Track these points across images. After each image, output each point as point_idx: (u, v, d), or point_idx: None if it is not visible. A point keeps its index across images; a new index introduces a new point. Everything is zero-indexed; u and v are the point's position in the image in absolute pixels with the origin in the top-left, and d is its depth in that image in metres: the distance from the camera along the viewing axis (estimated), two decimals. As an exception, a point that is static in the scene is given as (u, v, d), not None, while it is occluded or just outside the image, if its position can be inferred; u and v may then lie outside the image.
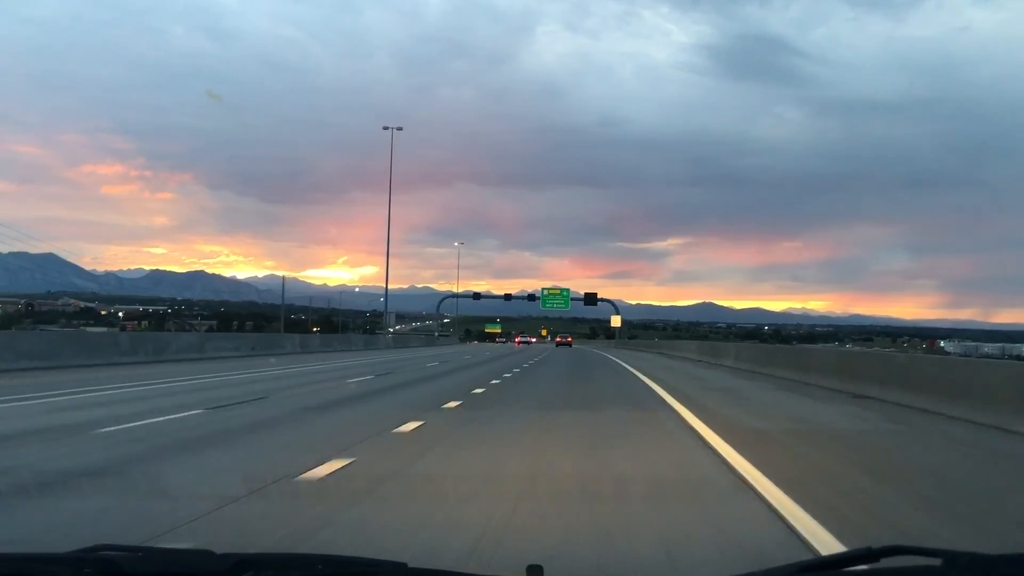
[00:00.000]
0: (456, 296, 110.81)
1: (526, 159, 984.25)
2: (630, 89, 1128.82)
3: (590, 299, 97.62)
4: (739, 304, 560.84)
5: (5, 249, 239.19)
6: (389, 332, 73.00)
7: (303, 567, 1.97)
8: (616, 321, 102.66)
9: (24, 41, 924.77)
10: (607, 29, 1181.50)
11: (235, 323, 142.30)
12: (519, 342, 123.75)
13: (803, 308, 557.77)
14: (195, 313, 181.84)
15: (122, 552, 2.01)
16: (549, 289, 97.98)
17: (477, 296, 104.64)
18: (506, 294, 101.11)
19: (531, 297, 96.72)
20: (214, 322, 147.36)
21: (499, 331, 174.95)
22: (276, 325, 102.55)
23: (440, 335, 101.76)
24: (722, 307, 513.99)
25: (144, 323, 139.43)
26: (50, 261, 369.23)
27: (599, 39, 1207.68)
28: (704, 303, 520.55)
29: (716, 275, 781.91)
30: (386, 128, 62.14)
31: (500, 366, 28.51)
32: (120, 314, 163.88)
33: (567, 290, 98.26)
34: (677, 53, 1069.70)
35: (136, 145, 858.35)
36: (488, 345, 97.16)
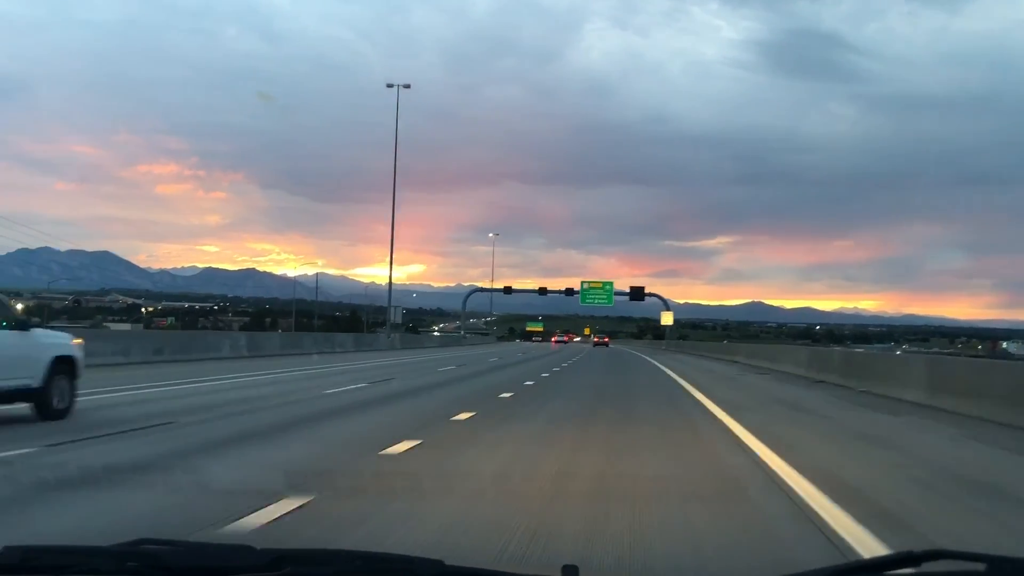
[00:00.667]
0: (489, 291, 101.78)
1: (573, 157, 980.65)
2: (678, 86, 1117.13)
3: (636, 294, 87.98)
4: (789, 304, 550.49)
5: (63, 247, 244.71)
6: (395, 328, 62.49)
7: (341, 562, 1.99)
8: (667, 318, 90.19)
9: (81, 45, 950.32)
10: (655, 26, 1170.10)
11: (267, 320, 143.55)
12: (555, 342, 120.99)
13: (855, 308, 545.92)
14: (227, 310, 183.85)
15: (163, 546, 2.05)
16: (590, 283, 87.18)
17: (508, 290, 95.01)
18: (541, 288, 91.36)
19: (569, 292, 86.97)
20: (246, 319, 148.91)
21: (541, 330, 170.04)
22: (306, 323, 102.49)
23: (479, 333, 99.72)
24: (772, 306, 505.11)
25: (171, 320, 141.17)
26: (105, 259, 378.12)
27: (647, 36, 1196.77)
28: (753, 302, 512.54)
29: (765, 274, 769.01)
30: (390, 86, 55.44)
31: (511, 376, 22.78)
32: (143, 310, 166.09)
33: (610, 284, 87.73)
34: (726, 49, 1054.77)
35: (190, 145, 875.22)
36: (524, 345, 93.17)
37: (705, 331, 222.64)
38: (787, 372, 25.12)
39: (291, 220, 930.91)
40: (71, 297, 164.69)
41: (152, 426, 9.72)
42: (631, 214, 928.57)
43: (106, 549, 1.99)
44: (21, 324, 10.30)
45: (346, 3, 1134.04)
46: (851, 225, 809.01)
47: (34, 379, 9.82)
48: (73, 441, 8.54)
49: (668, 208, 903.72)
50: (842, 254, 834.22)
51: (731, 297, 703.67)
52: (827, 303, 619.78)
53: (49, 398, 10.02)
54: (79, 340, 11.34)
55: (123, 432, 9.17)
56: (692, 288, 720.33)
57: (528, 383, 19.88)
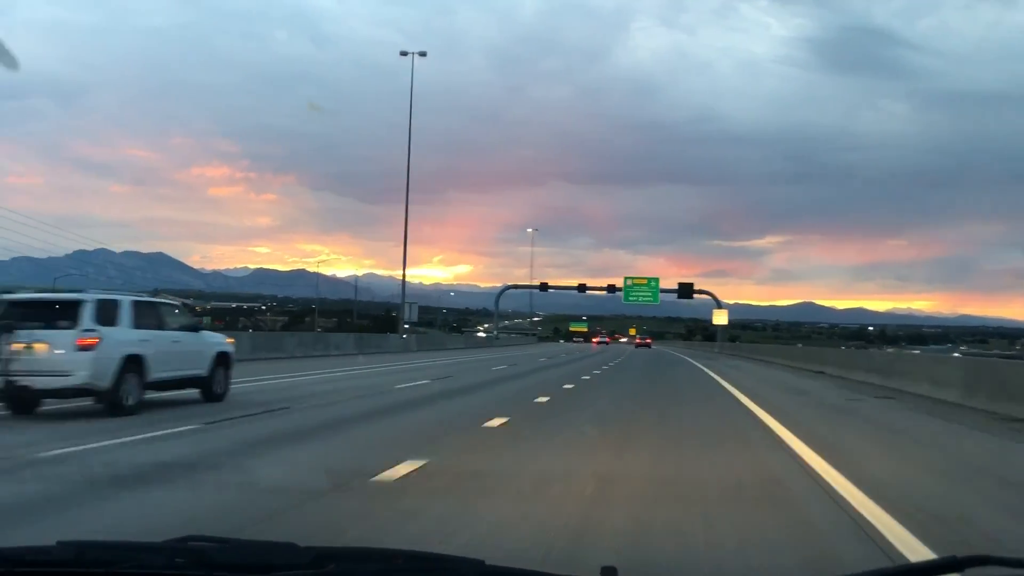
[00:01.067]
0: (526, 288, 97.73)
1: (620, 156, 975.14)
2: (727, 84, 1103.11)
3: (685, 291, 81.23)
4: (841, 304, 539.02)
5: (118, 248, 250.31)
6: (406, 328, 54.66)
7: (383, 560, 2.04)
8: (720, 317, 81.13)
9: (137, 50, 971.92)
10: (703, 24, 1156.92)
11: (306, 320, 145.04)
12: (596, 343, 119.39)
13: (908, 308, 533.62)
14: (262, 310, 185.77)
15: (210, 543, 2.09)
16: (634, 279, 79.44)
17: (544, 287, 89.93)
18: (580, 285, 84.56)
19: (611, 289, 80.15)
20: (285, 319, 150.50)
21: (584, 330, 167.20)
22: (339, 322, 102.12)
23: (523, 334, 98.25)
24: (823, 307, 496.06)
25: (207, 320, 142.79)
26: (160, 260, 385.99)
27: (695, 34, 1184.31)
28: (804, 303, 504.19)
29: (817, 274, 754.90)
30: (404, 54, 51.26)
31: (502, 397, 16.29)
32: (194, 310, 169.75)
33: (655, 280, 79.75)
34: (776, 47, 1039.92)
35: (241, 148, 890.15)
36: (566, 346, 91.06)
37: (755, 331, 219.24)
38: (923, 396, 16.43)
39: (340, 221, 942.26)
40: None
41: (280, 408, 12.49)
42: (679, 214, 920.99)
43: (156, 545, 2.06)
44: (194, 327, 13.80)
45: (393, 5, 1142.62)
46: (904, 224, 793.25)
47: (203, 369, 12.99)
48: (231, 419, 11.03)
49: (717, 207, 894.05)
50: (895, 253, 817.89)
51: (781, 297, 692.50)
52: (879, 303, 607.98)
53: (212, 385, 13.19)
54: (231, 340, 14.84)
55: (271, 411, 12.15)
56: (741, 288, 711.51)
57: (532, 402, 14.67)
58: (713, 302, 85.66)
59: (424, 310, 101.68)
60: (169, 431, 9.76)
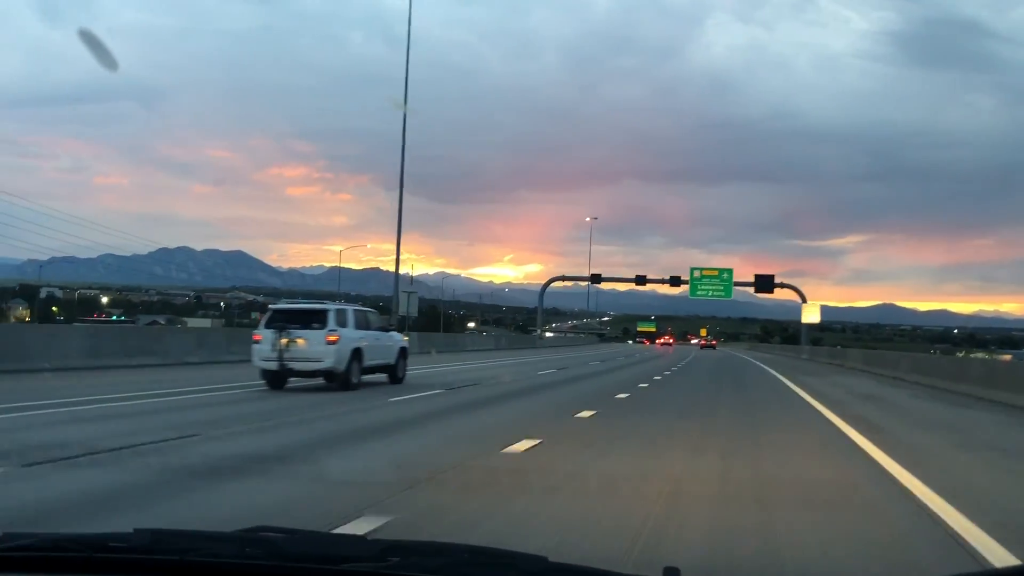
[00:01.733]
0: (577, 279, 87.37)
1: (694, 154, 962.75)
2: (805, 80, 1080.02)
3: (764, 284, 70.43)
4: (923, 306, 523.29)
5: (199, 246, 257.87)
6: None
7: (447, 555, 2.06)
8: (811, 313, 70.88)
9: (218, 53, 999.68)
10: (781, 19, 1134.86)
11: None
12: (661, 344, 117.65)
13: (995, 310, 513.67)
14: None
15: (280, 534, 2.18)
16: (703, 270, 70.49)
17: (597, 279, 79.39)
18: (638, 276, 74.63)
19: (675, 281, 71.10)
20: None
21: (653, 330, 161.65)
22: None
23: (596, 334, 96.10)
24: (904, 308, 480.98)
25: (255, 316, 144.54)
26: (239, 258, 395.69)
27: (772, 30, 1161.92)
28: (884, 304, 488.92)
29: (898, 274, 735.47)
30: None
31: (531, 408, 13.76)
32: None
33: (728, 272, 70.29)
34: (857, 41, 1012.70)
35: (318, 148, 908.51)
36: (626, 347, 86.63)
37: (833, 333, 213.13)
38: None
39: (413, 220, 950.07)
40: (192, 293, 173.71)
41: (458, 387, 17.00)
42: (755, 212, 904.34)
43: (227, 535, 2.13)
44: (385, 328, 18.16)
45: (467, 5, 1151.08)
46: (992, 223, 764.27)
47: (391, 359, 17.30)
48: (410, 397, 14.36)
49: (794, 206, 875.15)
50: (980, 253, 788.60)
51: (860, 298, 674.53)
52: (964, 305, 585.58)
53: (396, 370, 17.50)
54: (407, 337, 20.65)
55: (442, 391, 15.85)
56: (819, 289, 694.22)
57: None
58: (797, 299, 74.24)
59: (488, 308, 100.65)
60: (417, 395, 14.71)
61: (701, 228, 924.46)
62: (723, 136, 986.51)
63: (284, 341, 15.02)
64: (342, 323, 15.65)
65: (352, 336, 15.63)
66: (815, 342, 72.07)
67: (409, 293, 42.81)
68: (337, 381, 15.39)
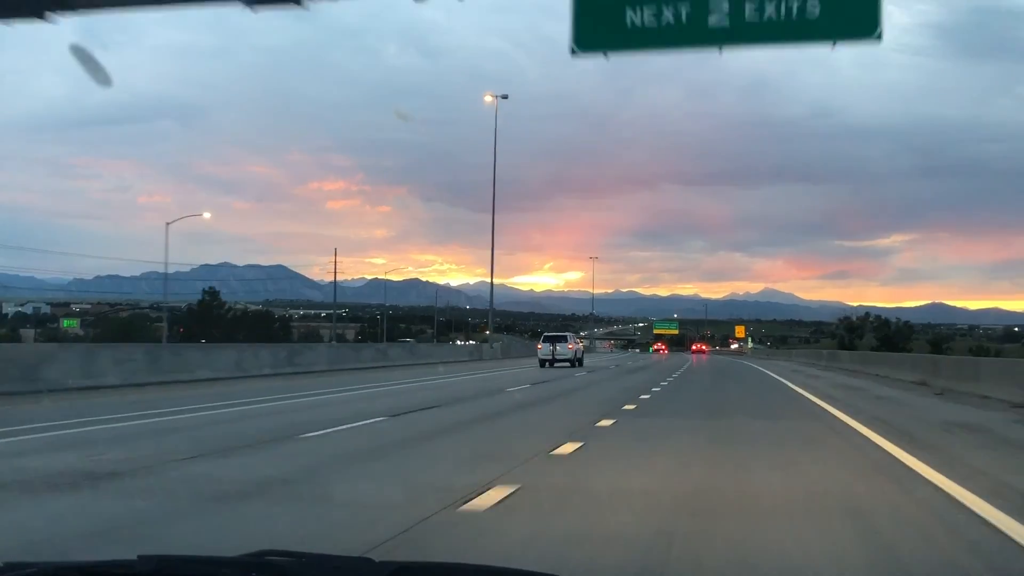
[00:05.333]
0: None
1: (734, 156, 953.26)
2: (847, 77, 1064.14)
3: None
4: (973, 304, 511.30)
5: (241, 262, 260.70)
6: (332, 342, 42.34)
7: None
8: None
9: (255, 70, 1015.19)
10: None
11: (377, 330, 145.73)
12: (656, 351, 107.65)
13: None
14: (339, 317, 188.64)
15: (286, 557, 2.14)
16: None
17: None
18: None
19: None
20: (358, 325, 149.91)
21: (675, 332, 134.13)
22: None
23: (632, 341, 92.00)
24: (954, 308, 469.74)
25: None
26: (279, 272, 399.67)
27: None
28: (933, 303, 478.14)
29: (946, 273, 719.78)
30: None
31: None
32: None
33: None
34: (899, 35, 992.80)
35: (356, 162, 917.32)
36: (619, 356, 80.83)
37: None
38: None
39: (452, 231, 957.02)
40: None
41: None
42: (797, 213, 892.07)
43: (233, 560, 2.13)
44: (572, 340, 40.41)
45: (499, 13, 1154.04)
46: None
47: (578, 355, 39.06)
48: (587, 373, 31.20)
49: (838, 206, 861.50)
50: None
51: (908, 299, 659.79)
52: (1016, 303, 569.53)
53: (577, 360, 38.36)
54: (576, 343, 40.66)
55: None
56: (866, 290, 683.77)
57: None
58: (842, 300, 69.88)
59: (517, 316, 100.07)
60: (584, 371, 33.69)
61: (743, 231, 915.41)
62: (763, 136, 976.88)
63: (555, 347, 37.10)
64: (572, 340, 39.95)
65: (575, 347, 38.83)
66: (848, 347, 67.08)
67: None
68: (575, 364, 37.41)
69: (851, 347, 69.85)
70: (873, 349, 62.91)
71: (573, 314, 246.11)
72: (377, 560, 2.08)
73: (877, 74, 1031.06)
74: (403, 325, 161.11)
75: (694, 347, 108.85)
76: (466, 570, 2.10)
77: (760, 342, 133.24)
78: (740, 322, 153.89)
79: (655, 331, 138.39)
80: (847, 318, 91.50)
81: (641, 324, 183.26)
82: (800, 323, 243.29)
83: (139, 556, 2.06)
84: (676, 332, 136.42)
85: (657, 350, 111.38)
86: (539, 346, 37.65)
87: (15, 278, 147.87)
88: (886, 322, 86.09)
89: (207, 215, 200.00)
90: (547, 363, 35.32)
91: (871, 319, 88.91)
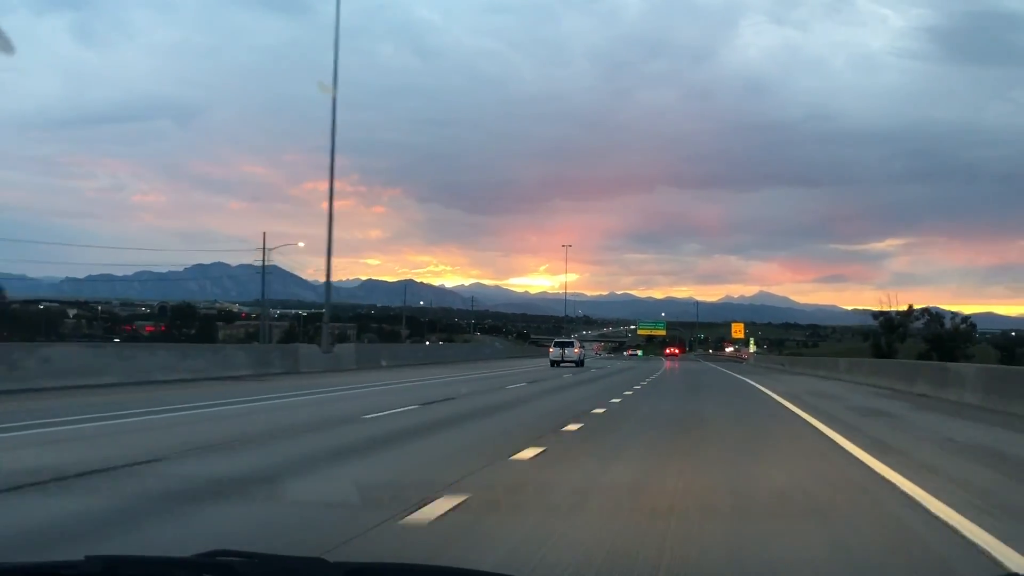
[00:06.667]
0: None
1: (730, 159, 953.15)
2: (843, 81, 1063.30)
3: None
4: (967, 308, 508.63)
5: (234, 261, 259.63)
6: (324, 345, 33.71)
7: None
8: None
9: (251, 68, 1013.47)
10: (816, 19, 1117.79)
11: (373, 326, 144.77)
12: (629, 354, 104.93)
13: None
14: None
15: (238, 558, 2.09)
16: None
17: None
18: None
19: None
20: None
21: (663, 333, 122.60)
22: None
23: (628, 344, 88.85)
24: (949, 312, 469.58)
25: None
26: (273, 272, 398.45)
27: (808, 30, 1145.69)
28: (928, 308, 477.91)
29: (941, 277, 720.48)
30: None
31: None
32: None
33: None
34: (895, 39, 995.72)
35: (351, 162, 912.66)
36: (601, 362, 66.95)
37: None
38: None
39: (447, 232, 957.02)
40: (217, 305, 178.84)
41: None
42: (793, 217, 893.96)
43: (184, 560, 2.07)
44: (578, 344, 52.66)
45: (496, 14, 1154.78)
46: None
47: (581, 358, 48.54)
48: (583, 371, 38.08)
49: (833, 210, 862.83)
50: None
51: (903, 302, 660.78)
52: (1011, 308, 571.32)
53: (580, 362, 47.32)
54: (580, 348, 50.91)
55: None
56: (861, 294, 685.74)
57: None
58: (838, 304, 63.36)
59: (508, 317, 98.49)
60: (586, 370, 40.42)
61: (738, 234, 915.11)
62: (760, 140, 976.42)
63: (564, 351, 46.32)
64: (578, 345, 50.82)
65: (580, 350, 48.93)
66: (886, 353, 56.23)
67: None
68: (579, 365, 44.95)
69: (890, 353, 56.04)
70: (920, 356, 50.20)
71: (565, 315, 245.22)
72: (331, 561, 2.01)
73: (873, 78, 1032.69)
74: (375, 325, 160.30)
75: (667, 351, 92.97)
76: (421, 571, 2.08)
77: (758, 345, 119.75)
78: (736, 322, 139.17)
79: (639, 331, 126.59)
80: (884, 314, 63.51)
81: (633, 327, 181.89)
82: (795, 326, 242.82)
83: (86, 556, 2.01)
84: (663, 333, 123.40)
85: (671, 354, 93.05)
86: (551, 350, 48.96)
87: (6, 277, 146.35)
88: (938, 318, 63.53)
89: (301, 244, 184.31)
90: (557, 363, 45.16)
91: (915, 314, 64.32)
